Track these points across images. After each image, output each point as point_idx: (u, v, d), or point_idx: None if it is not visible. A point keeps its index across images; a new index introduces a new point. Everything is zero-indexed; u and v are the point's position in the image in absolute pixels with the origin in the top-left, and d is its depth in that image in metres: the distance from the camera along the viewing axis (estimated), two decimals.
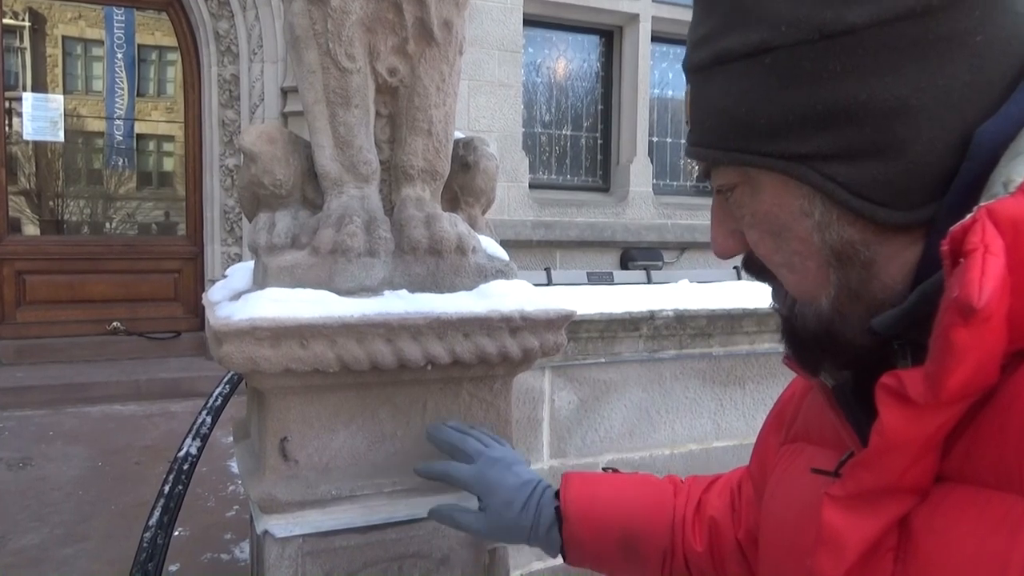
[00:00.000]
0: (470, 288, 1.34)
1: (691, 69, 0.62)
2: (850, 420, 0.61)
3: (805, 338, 0.61)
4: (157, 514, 1.54)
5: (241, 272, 1.45)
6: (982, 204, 0.46)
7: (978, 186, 0.50)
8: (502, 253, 1.42)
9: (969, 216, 0.46)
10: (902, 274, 0.55)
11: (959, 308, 0.44)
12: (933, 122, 0.51)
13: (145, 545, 1.47)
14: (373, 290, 1.28)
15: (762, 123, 0.56)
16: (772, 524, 0.74)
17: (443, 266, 1.33)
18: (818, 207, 0.56)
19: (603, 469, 1.12)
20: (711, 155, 0.62)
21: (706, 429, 2.67)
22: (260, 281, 1.28)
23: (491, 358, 1.28)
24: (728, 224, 0.65)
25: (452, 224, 1.34)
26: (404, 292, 1.28)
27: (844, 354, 0.59)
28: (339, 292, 1.24)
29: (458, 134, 1.48)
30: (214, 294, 1.39)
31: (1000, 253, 0.44)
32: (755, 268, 0.66)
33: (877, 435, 0.51)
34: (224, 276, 1.49)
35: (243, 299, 1.21)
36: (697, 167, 0.67)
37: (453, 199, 1.50)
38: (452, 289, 1.32)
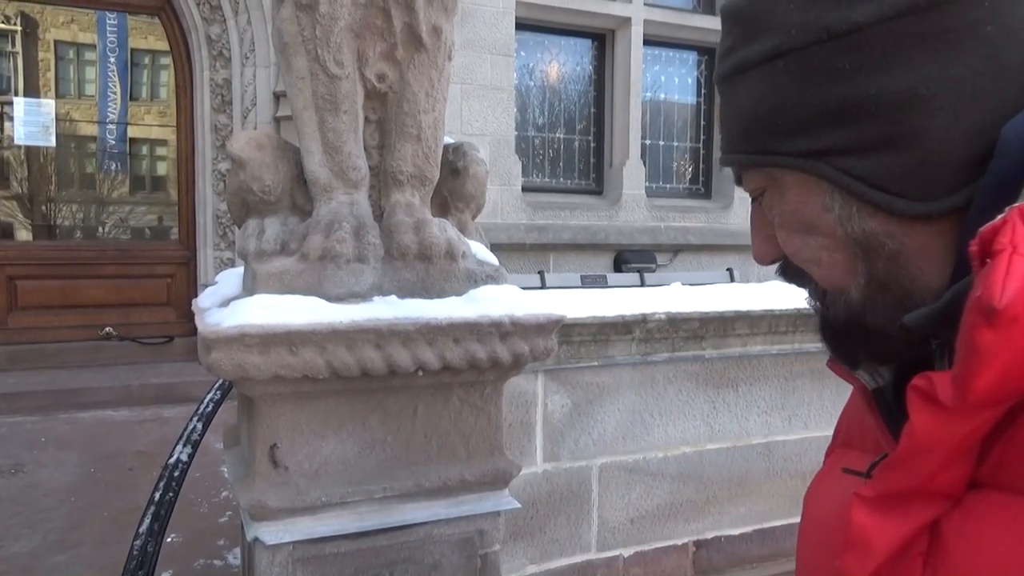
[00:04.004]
0: (460, 293, 1.34)
1: (718, 81, 0.65)
2: (888, 423, 0.61)
3: (837, 329, 0.62)
4: (147, 521, 1.54)
5: (231, 278, 1.44)
6: (1015, 205, 0.46)
7: (1012, 185, 0.50)
8: (492, 258, 1.43)
9: (1000, 217, 0.46)
10: (933, 267, 0.55)
11: (981, 309, 0.44)
12: (946, 112, 0.52)
13: (135, 553, 1.46)
14: (363, 296, 1.28)
15: (780, 124, 0.58)
16: (807, 525, 0.74)
17: (433, 272, 1.33)
18: (838, 201, 0.57)
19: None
20: (738, 159, 0.64)
21: (699, 431, 2.67)
22: (249, 287, 1.28)
23: (481, 363, 1.29)
24: (765, 230, 0.66)
25: (442, 229, 1.34)
26: (394, 298, 1.28)
27: (877, 346, 0.59)
28: (329, 298, 1.24)
29: (448, 139, 1.48)
30: (204, 300, 1.39)
31: None
32: (792, 272, 0.67)
33: (907, 437, 0.51)
34: (215, 282, 1.49)
35: (232, 306, 1.20)
36: (735, 178, 0.69)
37: (443, 204, 1.50)
38: (442, 295, 1.33)
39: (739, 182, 0.67)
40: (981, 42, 0.51)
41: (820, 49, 0.55)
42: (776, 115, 0.58)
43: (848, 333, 0.61)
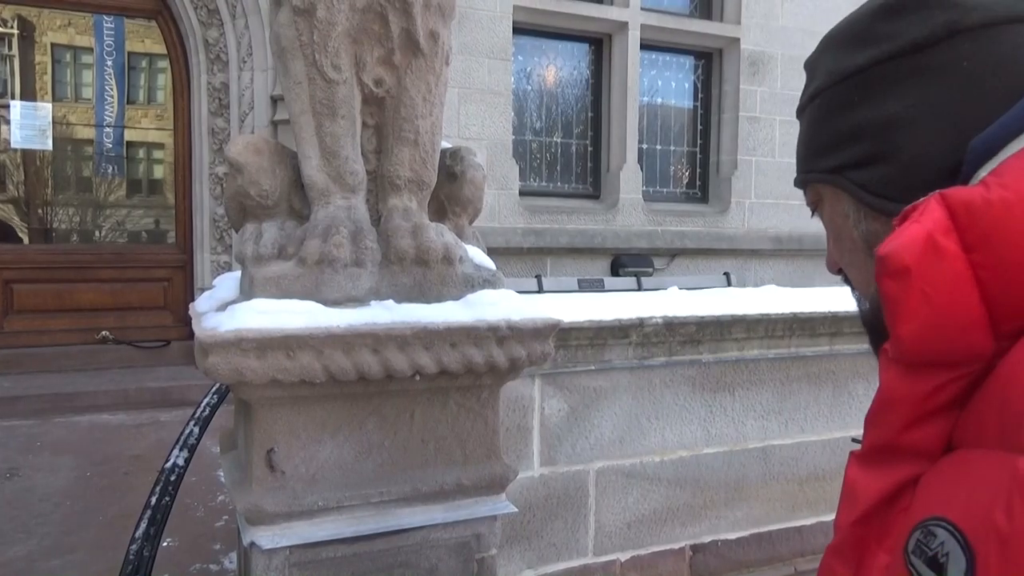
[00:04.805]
0: (457, 298, 1.34)
1: (797, 118, 0.79)
2: None
3: (868, 328, 0.72)
4: (143, 526, 1.53)
5: (228, 282, 1.44)
6: (939, 191, 0.55)
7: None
8: (489, 263, 1.43)
9: (924, 198, 0.55)
10: None
11: (876, 258, 0.54)
12: (926, 132, 0.63)
13: (131, 557, 1.46)
14: (360, 300, 1.28)
15: (817, 147, 0.72)
16: None
17: (430, 276, 1.33)
18: (852, 207, 0.69)
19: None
20: (798, 179, 0.77)
21: (696, 436, 2.68)
22: (247, 292, 1.28)
23: (478, 368, 1.29)
24: (828, 242, 0.78)
25: (439, 234, 1.34)
26: (391, 302, 1.28)
27: None
28: (326, 303, 1.25)
29: (445, 144, 1.49)
30: (201, 305, 1.39)
31: (926, 222, 0.52)
32: (846, 278, 0.77)
33: (878, 393, 0.58)
34: (212, 286, 1.49)
35: (229, 310, 1.21)
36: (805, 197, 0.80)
37: (440, 209, 1.50)
38: (439, 299, 1.33)
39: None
40: (960, 75, 0.62)
41: (839, 87, 0.69)
42: (815, 141, 0.73)
43: (875, 330, 0.70)
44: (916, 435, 0.56)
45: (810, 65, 0.76)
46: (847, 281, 0.78)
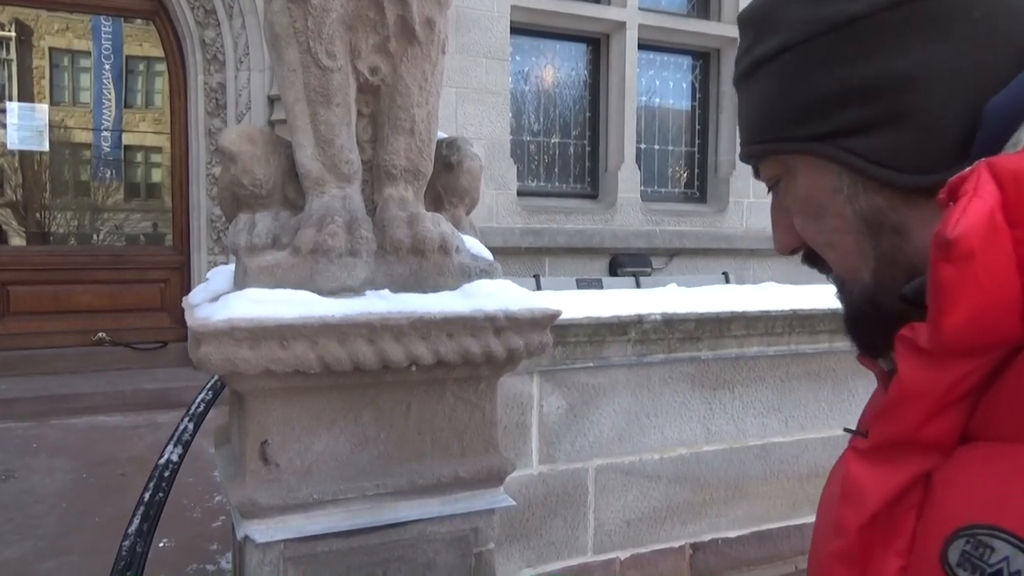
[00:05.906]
0: (454, 288, 1.32)
1: (736, 82, 0.69)
2: None
3: (855, 316, 0.65)
4: (137, 522, 1.51)
5: (222, 274, 1.43)
6: (985, 159, 0.48)
7: (993, 152, 0.52)
8: (486, 253, 1.41)
9: (969, 168, 0.49)
10: None
11: (937, 242, 0.47)
12: (940, 91, 0.56)
13: (124, 554, 1.44)
14: (355, 290, 1.26)
15: (789, 112, 0.62)
16: (820, 505, 0.74)
17: (426, 266, 1.31)
18: (846, 181, 0.60)
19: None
20: (753, 151, 0.68)
21: (696, 433, 2.66)
22: (240, 282, 1.26)
23: (475, 358, 1.27)
24: (783, 220, 0.69)
25: (435, 224, 1.33)
26: (386, 292, 1.26)
27: (892, 329, 0.60)
28: (320, 292, 1.23)
29: (441, 134, 1.47)
30: (195, 296, 1.37)
31: (987, 197, 0.46)
32: (813, 259, 0.70)
33: (895, 385, 0.53)
34: (206, 279, 1.47)
35: (222, 300, 1.19)
36: (753, 172, 0.72)
37: (436, 199, 1.48)
38: (435, 289, 1.31)
39: (757, 175, 0.70)
40: (970, 26, 0.55)
41: (823, 40, 0.59)
42: (785, 104, 0.62)
43: (865, 319, 0.64)
44: (933, 428, 0.52)
45: (760, 16, 0.65)
46: (809, 260, 0.70)
